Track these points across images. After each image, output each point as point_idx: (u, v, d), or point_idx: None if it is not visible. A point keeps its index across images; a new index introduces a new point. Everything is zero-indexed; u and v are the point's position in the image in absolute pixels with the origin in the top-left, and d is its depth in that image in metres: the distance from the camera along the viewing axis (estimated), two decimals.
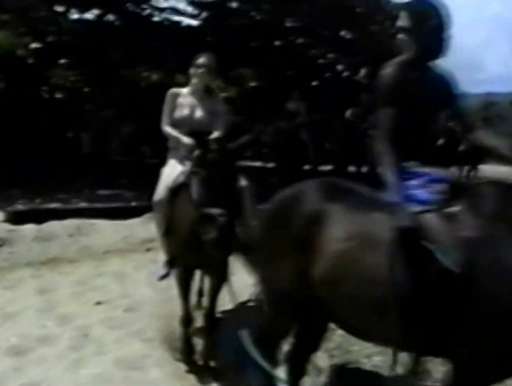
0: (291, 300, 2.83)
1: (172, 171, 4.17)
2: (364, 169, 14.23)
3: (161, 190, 4.15)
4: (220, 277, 4.01)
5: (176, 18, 15.42)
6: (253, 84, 16.42)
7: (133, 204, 9.86)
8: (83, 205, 9.64)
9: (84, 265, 6.78)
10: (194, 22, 15.43)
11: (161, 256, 6.76)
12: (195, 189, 3.47)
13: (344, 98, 12.34)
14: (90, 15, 14.54)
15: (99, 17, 14.46)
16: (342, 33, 15.63)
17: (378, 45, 14.81)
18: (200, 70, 4.32)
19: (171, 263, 4.25)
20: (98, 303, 5.36)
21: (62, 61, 14.20)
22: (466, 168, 17.62)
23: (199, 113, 4.36)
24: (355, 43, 15.32)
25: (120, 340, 4.46)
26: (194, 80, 4.39)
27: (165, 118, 4.35)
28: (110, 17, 14.67)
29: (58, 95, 16.17)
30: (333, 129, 14.09)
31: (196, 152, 3.59)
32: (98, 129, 20.65)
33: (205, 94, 4.42)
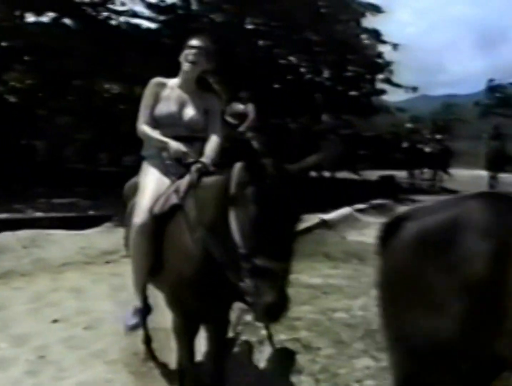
0: (450, 354, 2.19)
1: (157, 186, 3.21)
2: (326, 174, 14.13)
3: (143, 212, 3.10)
4: (224, 330, 3.16)
5: (135, 21, 15.10)
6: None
7: (91, 213, 9.48)
8: (38, 214, 9.20)
9: (40, 279, 6.38)
10: (153, 25, 15.12)
11: (121, 268, 6.50)
12: (237, 227, 2.35)
13: (305, 101, 12.24)
14: (46, 18, 14.10)
15: (55, 21, 14.02)
16: (307, 34, 15.54)
17: (342, 46, 14.88)
18: (192, 54, 3.38)
19: (145, 310, 3.50)
20: (55, 321, 4.98)
21: (17, 65, 13.73)
22: (432, 171, 17.82)
23: (189, 110, 3.39)
24: (319, 44, 15.29)
25: (81, 362, 4.12)
26: (185, 68, 3.41)
27: (142, 115, 3.37)
28: (66, 20, 14.26)
29: (12, 100, 15.61)
30: (290, 133, 13.86)
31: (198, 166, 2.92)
32: (53, 136, 20.14)
33: (198, 87, 3.47)
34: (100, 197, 11.78)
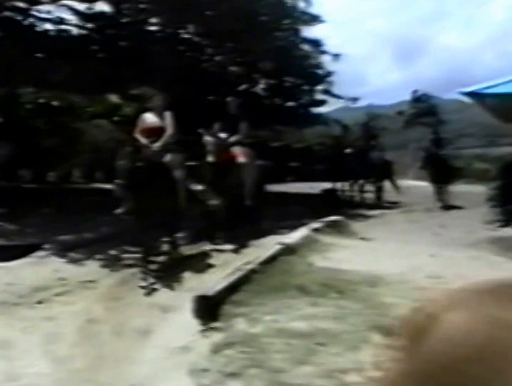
0: None
1: None
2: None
3: None
4: None
5: (63, 27, 13.86)
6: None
7: (16, 242, 8.31)
8: None
9: None
10: (83, 32, 13.93)
11: (56, 310, 5.47)
12: None
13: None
14: None
15: None
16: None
17: (281, 55, 14.20)
18: None
19: None
20: None
21: None
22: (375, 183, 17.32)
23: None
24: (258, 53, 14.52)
25: None
26: None
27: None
28: None
29: None
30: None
31: None
32: None
33: None
34: (26, 218, 10.56)
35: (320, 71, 16.53)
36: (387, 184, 17.87)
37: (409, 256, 7.53)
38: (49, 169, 22.87)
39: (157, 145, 7.39)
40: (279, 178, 19.20)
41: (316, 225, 9.89)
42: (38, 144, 18.68)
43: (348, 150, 16.53)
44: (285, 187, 18.90)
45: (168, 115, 7.69)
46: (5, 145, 18.88)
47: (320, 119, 19.53)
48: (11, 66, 11.30)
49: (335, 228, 10.37)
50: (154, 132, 7.57)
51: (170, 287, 6.53)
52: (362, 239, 9.80)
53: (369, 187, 17.58)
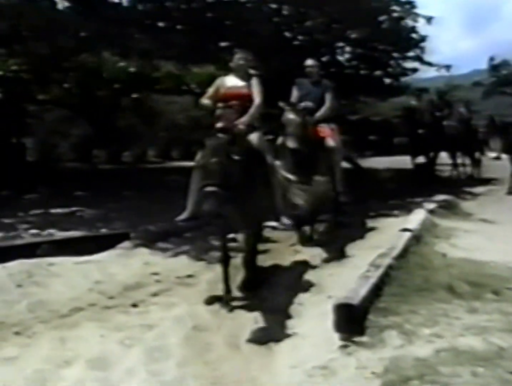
0: None
1: None
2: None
3: None
4: None
5: None
6: None
7: (102, 231, 7.54)
8: (33, 239, 7.18)
9: (41, 339, 4.41)
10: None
11: (156, 315, 4.67)
12: None
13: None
14: None
15: None
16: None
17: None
18: None
19: None
20: None
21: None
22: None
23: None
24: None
25: None
26: None
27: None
28: None
29: None
30: None
31: None
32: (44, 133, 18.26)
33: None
34: (107, 202, 9.86)
35: (414, 36, 14.96)
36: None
37: None
38: (124, 149, 22.47)
39: (244, 120, 5.22)
40: (359, 153, 18.02)
41: (429, 205, 8.77)
42: (113, 123, 18.16)
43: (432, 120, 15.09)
44: (368, 162, 17.59)
45: (255, 81, 5.66)
46: (80, 125, 18.50)
47: (409, 89, 18.05)
48: (95, 36, 10.46)
49: (448, 209, 9.25)
50: (237, 99, 5.47)
51: None
52: (483, 220, 8.62)
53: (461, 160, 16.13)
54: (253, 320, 4.65)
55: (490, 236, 7.21)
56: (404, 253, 5.32)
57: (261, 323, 4.56)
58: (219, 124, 5.06)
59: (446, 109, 16.22)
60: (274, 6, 12.97)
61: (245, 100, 5.45)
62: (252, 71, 5.79)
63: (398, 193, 12.23)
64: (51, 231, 7.43)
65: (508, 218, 8.78)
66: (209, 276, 5.85)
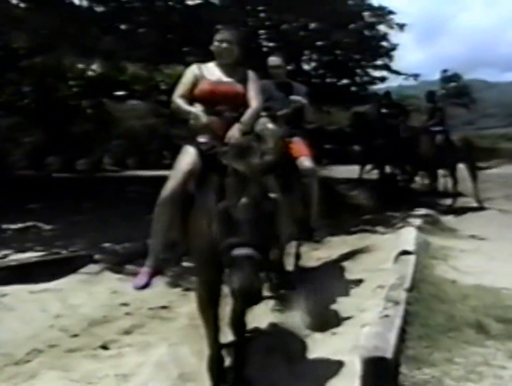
0: None
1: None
2: None
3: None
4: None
5: None
6: None
7: (62, 252, 6.64)
8: None
9: None
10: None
11: (134, 361, 3.89)
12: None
13: None
14: None
15: None
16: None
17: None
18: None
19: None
20: None
21: None
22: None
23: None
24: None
25: None
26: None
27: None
28: None
29: None
30: None
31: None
32: None
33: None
34: (64, 216, 8.97)
35: (384, 44, 14.51)
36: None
37: None
38: (78, 157, 21.37)
39: (237, 132, 3.70)
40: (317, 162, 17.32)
41: (415, 221, 8.25)
42: (69, 128, 17.20)
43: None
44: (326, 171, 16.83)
45: (251, 75, 4.09)
46: (34, 132, 17.43)
47: (374, 97, 17.55)
48: (53, 34, 9.57)
49: (433, 224, 8.76)
50: (228, 101, 3.93)
51: None
52: (473, 237, 8.17)
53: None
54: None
55: (489, 256, 6.71)
56: (413, 282, 4.67)
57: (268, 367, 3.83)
58: (202, 139, 3.69)
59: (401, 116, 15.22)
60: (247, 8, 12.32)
61: (239, 102, 3.94)
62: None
63: (370, 206, 11.72)
64: (3, 251, 6.51)
65: (495, 233, 8.36)
66: (187, 308, 5.02)
